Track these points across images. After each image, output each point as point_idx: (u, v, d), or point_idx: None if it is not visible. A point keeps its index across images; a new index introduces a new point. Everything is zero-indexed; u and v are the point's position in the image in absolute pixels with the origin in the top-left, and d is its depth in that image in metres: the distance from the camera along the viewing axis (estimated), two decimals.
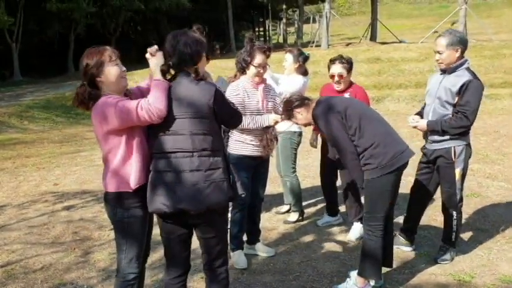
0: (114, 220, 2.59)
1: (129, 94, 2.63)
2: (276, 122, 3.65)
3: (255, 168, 3.82)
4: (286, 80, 4.64)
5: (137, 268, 2.63)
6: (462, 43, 3.60)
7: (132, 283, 2.62)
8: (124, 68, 2.55)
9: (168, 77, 2.54)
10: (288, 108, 3.43)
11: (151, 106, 2.35)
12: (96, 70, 2.45)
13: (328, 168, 4.60)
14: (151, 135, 2.52)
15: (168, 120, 2.43)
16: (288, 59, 4.66)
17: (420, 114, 3.92)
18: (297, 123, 3.61)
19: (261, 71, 3.70)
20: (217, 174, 2.48)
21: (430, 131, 3.71)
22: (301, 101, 3.41)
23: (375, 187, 3.19)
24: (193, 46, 2.48)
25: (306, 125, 3.56)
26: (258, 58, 3.66)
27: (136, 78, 18.40)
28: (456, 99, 3.56)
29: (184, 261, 2.71)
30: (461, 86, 3.52)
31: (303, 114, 3.41)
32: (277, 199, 5.43)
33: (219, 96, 2.48)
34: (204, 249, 2.67)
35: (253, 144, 3.74)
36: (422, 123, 3.72)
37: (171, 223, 2.57)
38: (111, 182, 2.52)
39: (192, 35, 2.52)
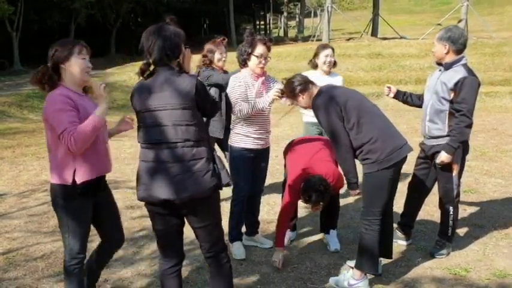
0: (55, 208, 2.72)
1: (88, 90, 2.74)
2: (278, 96, 3.58)
3: (255, 161, 3.86)
4: (337, 80, 4.61)
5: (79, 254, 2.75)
6: (452, 41, 3.61)
7: (76, 267, 2.74)
8: (90, 65, 2.68)
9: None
10: (291, 92, 3.45)
11: (72, 141, 2.45)
12: (63, 56, 2.58)
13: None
14: (138, 127, 2.58)
15: (151, 112, 2.48)
16: (332, 53, 4.63)
17: (407, 95, 4.08)
18: (297, 105, 3.59)
19: (263, 61, 3.70)
20: (200, 165, 2.48)
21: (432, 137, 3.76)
22: (304, 85, 3.42)
23: (372, 181, 3.23)
24: (172, 39, 2.50)
25: (306, 108, 3.55)
26: (259, 48, 3.68)
27: (137, 69, 18.43)
28: (452, 95, 3.59)
29: (178, 251, 2.75)
30: (457, 83, 3.55)
31: (304, 99, 3.43)
32: (277, 192, 5.47)
33: (200, 86, 2.50)
34: (201, 238, 2.68)
35: (254, 137, 3.78)
36: (445, 156, 3.62)
37: (162, 214, 2.60)
38: (54, 174, 2.64)
39: (168, 28, 2.52)
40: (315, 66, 4.71)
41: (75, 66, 2.60)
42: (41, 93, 15.90)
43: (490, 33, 21.19)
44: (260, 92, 3.76)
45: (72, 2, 24.07)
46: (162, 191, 2.47)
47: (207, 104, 2.57)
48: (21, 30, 24.34)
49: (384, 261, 3.63)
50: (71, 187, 2.60)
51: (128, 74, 17.36)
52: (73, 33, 26.80)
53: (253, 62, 3.71)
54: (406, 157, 3.26)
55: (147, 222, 4.54)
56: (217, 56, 4.69)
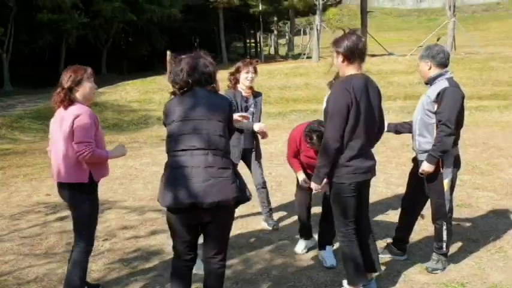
0: None
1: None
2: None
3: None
4: None
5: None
6: (433, 58, 3.71)
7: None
8: (96, 86, 3.34)
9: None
10: (337, 44, 3.24)
11: (88, 155, 3.08)
12: (77, 81, 3.19)
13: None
14: (170, 136, 2.80)
15: (188, 121, 2.74)
16: None
17: (398, 126, 4.14)
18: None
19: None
20: (228, 173, 2.74)
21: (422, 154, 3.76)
22: (351, 53, 3.19)
23: (334, 192, 3.30)
24: (211, 67, 2.88)
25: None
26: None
27: (128, 89, 18.47)
28: (435, 106, 3.66)
29: (190, 258, 2.95)
30: (438, 94, 3.63)
31: (338, 61, 3.25)
32: (276, 203, 5.45)
33: (231, 107, 2.93)
34: (209, 246, 2.88)
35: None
36: (426, 166, 3.66)
37: (181, 224, 2.76)
38: (77, 172, 3.20)
39: (208, 58, 2.91)
40: None
41: (87, 88, 3.23)
42: (32, 114, 15.86)
43: (477, 48, 21.55)
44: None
45: (63, 23, 24.11)
46: (192, 195, 2.63)
47: (231, 125, 2.92)
48: (11, 51, 24.27)
49: (380, 277, 3.62)
50: (90, 184, 3.19)
51: (119, 94, 17.33)
52: (64, 53, 26.79)
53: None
54: (368, 180, 3.34)
55: (141, 243, 4.52)
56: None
